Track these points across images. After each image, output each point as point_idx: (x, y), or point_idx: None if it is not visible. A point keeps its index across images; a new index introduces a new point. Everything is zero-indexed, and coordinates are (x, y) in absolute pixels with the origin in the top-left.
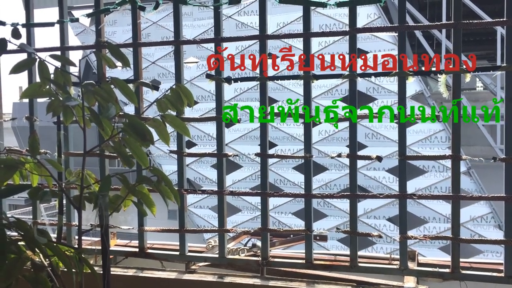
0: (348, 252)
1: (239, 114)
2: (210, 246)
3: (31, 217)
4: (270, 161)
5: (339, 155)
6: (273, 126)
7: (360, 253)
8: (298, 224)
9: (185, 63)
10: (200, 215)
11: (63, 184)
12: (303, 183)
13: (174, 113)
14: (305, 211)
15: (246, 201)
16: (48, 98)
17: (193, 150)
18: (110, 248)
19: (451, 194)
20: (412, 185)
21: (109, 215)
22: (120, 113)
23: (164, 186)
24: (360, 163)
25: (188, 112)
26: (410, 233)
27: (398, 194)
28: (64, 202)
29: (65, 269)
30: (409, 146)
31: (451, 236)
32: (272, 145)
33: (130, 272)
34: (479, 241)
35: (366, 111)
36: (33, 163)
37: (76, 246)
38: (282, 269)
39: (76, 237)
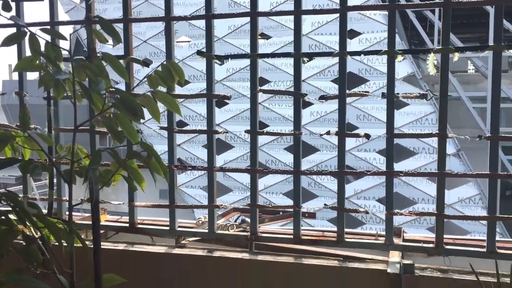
0: (335, 229)
1: (231, 95)
2: (200, 222)
3: (21, 195)
4: (262, 141)
5: (328, 133)
6: (264, 106)
7: (347, 230)
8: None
9: (176, 42)
10: (191, 195)
11: (54, 158)
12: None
13: (165, 90)
14: (293, 187)
15: (237, 181)
16: (38, 76)
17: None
18: (101, 223)
19: (436, 171)
20: (402, 167)
21: (99, 189)
22: (111, 89)
23: (153, 161)
24: (350, 144)
25: (180, 91)
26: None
27: (385, 172)
28: (55, 178)
29: (56, 243)
30: (400, 128)
31: (435, 212)
32: (264, 125)
33: (121, 247)
34: (463, 217)
35: (356, 90)
36: (23, 137)
37: (67, 219)
38: (271, 244)
39: (67, 212)
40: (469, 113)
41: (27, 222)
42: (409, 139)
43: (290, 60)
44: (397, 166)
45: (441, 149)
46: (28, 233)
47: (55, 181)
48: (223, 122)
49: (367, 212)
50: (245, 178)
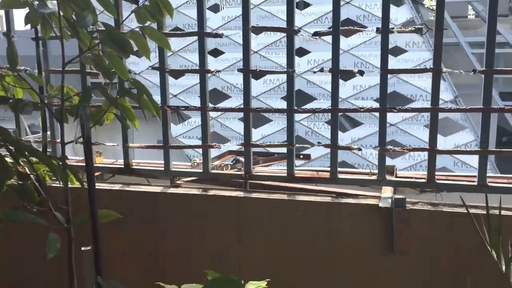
0: (329, 169)
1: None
2: (195, 164)
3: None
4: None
5: (322, 70)
6: (261, 55)
7: (341, 169)
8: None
9: None
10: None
11: (45, 97)
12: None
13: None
14: (287, 126)
15: (234, 131)
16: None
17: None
18: (96, 165)
19: (429, 107)
20: (399, 115)
21: (91, 127)
22: (99, 24)
23: (145, 99)
24: (347, 92)
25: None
26: (395, 160)
27: (379, 108)
28: (48, 121)
29: (52, 184)
30: (398, 76)
31: (428, 148)
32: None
33: (116, 187)
34: (455, 152)
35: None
36: (13, 76)
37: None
38: (265, 183)
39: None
40: (467, 59)
41: (20, 161)
42: (406, 86)
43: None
44: (395, 114)
45: (435, 84)
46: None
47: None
48: (222, 71)
49: (359, 149)
50: (242, 128)
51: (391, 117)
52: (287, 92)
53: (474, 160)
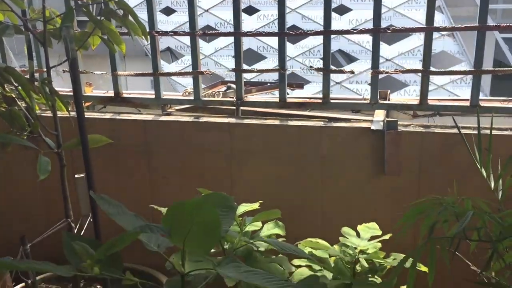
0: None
1: None
2: (187, 93)
3: None
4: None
5: None
6: None
7: (333, 95)
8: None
9: None
10: (183, 84)
11: (27, 19)
12: None
13: None
14: (278, 50)
15: (227, 68)
16: None
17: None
18: (85, 94)
19: (424, 26)
20: (395, 49)
21: (76, 50)
22: None
23: (130, 20)
24: (343, 26)
25: None
26: (391, 96)
27: (372, 29)
28: (34, 49)
29: (42, 114)
30: (394, 8)
31: (421, 69)
32: (255, 10)
33: (107, 116)
34: (448, 72)
35: None
36: None
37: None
38: (257, 109)
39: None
40: None
41: (6, 88)
42: (402, 19)
43: None
44: (390, 48)
45: (430, 4)
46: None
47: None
48: (212, 7)
49: (352, 72)
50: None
51: (387, 52)
52: (278, 14)
53: (468, 94)
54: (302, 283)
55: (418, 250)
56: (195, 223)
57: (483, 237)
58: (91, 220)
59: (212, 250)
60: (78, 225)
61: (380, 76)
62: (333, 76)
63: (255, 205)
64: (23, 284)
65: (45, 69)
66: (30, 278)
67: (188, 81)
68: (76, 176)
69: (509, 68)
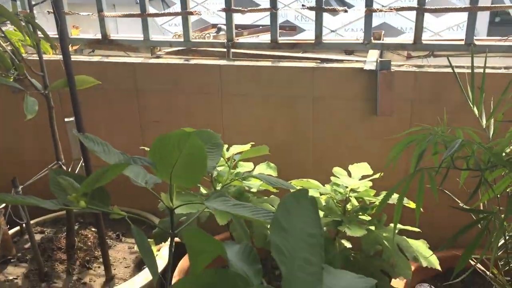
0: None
1: None
2: (177, 36)
3: None
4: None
5: None
6: None
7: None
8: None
9: None
10: (173, 32)
11: None
12: None
13: None
14: None
15: (221, 17)
16: None
17: None
18: (71, 36)
19: None
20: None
21: None
22: None
23: None
24: None
25: None
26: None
27: None
28: None
29: (29, 57)
30: None
31: (416, 6)
32: None
33: (95, 59)
34: (444, 10)
35: None
36: None
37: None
38: (248, 52)
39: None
40: None
41: None
42: None
43: None
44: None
45: None
46: None
47: None
48: None
49: (346, 11)
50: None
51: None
52: None
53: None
54: (289, 196)
55: (407, 181)
56: (181, 156)
57: (472, 166)
58: (83, 164)
59: (204, 192)
60: (70, 169)
61: (376, 22)
62: (327, 24)
63: (247, 147)
64: (17, 228)
65: (28, 10)
66: (24, 220)
67: (179, 29)
68: (65, 119)
69: (505, 5)
